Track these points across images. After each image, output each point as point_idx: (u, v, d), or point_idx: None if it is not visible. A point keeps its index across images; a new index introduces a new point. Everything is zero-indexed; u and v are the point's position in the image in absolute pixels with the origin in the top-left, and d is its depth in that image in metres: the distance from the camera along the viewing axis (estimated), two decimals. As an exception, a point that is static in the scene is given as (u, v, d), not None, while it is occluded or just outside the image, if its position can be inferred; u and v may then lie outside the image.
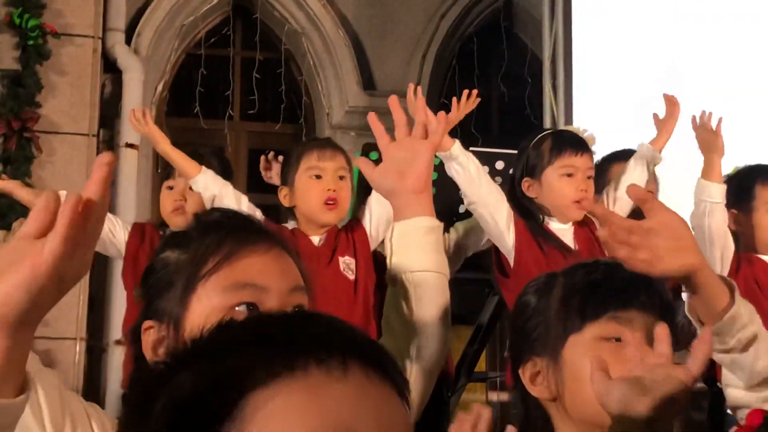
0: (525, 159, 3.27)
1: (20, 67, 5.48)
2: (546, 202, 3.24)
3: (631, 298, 1.58)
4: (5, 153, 5.42)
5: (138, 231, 3.54)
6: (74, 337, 5.35)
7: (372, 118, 1.73)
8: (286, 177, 3.29)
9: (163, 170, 3.60)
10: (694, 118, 3.46)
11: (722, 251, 3.32)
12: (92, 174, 1.02)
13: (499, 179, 3.92)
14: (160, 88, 6.42)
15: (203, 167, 3.35)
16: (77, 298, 5.42)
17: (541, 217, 3.25)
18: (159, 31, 6.33)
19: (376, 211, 3.26)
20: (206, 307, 1.39)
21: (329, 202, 3.20)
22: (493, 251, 3.30)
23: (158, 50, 6.38)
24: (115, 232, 3.53)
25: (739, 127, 5.34)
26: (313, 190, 3.21)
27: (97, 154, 5.72)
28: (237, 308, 1.38)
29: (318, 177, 3.21)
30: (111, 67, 6.04)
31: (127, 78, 6.02)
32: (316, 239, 3.26)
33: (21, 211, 5.34)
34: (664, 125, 3.52)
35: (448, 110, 6.72)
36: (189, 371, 0.80)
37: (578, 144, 3.24)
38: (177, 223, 3.48)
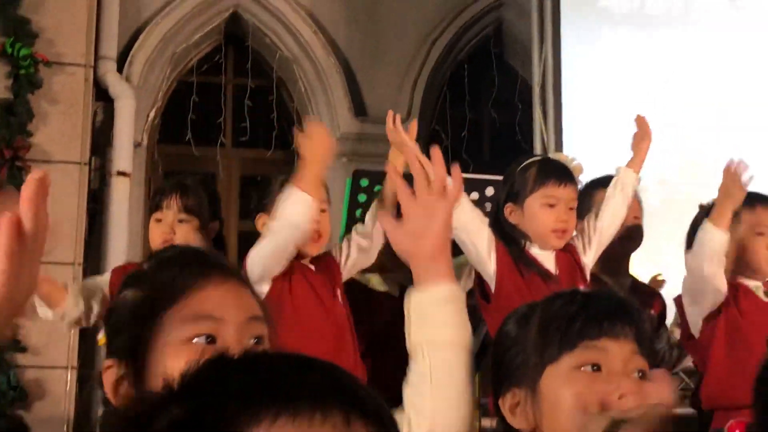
0: (510, 184, 3.28)
1: (12, 96, 5.48)
2: (526, 229, 3.23)
3: (608, 327, 1.57)
4: (-3, 182, 5.42)
5: (119, 274, 3.49)
6: (65, 365, 5.34)
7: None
8: (266, 205, 3.26)
9: (151, 200, 3.57)
10: (728, 164, 3.43)
11: (714, 297, 3.31)
12: (22, 192, 1.03)
13: (489, 205, 3.93)
14: (152, 115, 6.43)
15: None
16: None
17: (522, 242, 3.25)
18: (151, 59, 6.35)
19: (356, 259, 3.29)
20: (164, 340, 1.40)
21: (313, 235, 3.18)
22: (476, 277, 3.30)
23: (150, 78, 6.39)
24: (92, 305, 3.48)
25: (729, 152, 5.38)
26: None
27: (89, 182, 5.73)
28: (195, 341, 1.39)
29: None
30: (103, 95, 6.06)
31: (119, 106, 6.03)
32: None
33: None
34: (639, 146, 3.54)
35: (439, 137, 6.76)
36: (183, 409, 0.80)
37: (563, 174, 3.24)
38: None
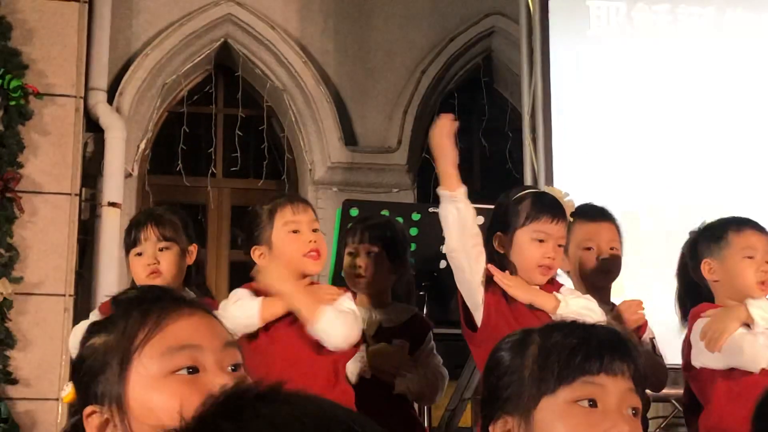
0: (501, 213, 3.24)
1: (2, 128, 5.49)
2: (513, 260, 3.19)
3: (607, 364, 1.57)
4: (-13, 213, 5.42)
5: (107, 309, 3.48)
6: (56, 398, 5.31)
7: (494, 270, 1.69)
8: (259, 236, 3.23)
9: (126, 238, 3.55)
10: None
11: None
12: None
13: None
14: (142, 146, 6.43)
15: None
16: (59, 358, 5.39)
17: (509, 273, 3.23)
18: (141, 89, 6.36)
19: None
20: (145, 377, 1.41)
21: (312, 253, 3.18)
22: (461, 305, 3.28)
23: (140, 109, 6.41)
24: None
25: (719, 179, 5.41)
26: (294, 244, 3.18)
27: (80, 213, 5.73)
28: (177, 373, 1.40)
29: (295, 231, 3.18)
30: (93, 126, 6.07)
31: (109, 137, 6.04)
32: None
33: (3, 271, 5.33)
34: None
35: (429, 166, 6.78)
36: None
37: (557, 211, 3.20)
38: None
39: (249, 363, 1.49)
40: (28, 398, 5.33)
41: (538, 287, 3.18)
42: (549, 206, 3.21)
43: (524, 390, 1.59)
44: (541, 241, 3.15)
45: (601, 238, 3.62)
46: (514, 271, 3.20)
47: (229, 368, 1.43)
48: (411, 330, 3.70)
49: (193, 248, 3.53)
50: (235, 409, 0.82)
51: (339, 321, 3.08)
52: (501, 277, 3.14)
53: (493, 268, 3.14)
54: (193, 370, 1.40)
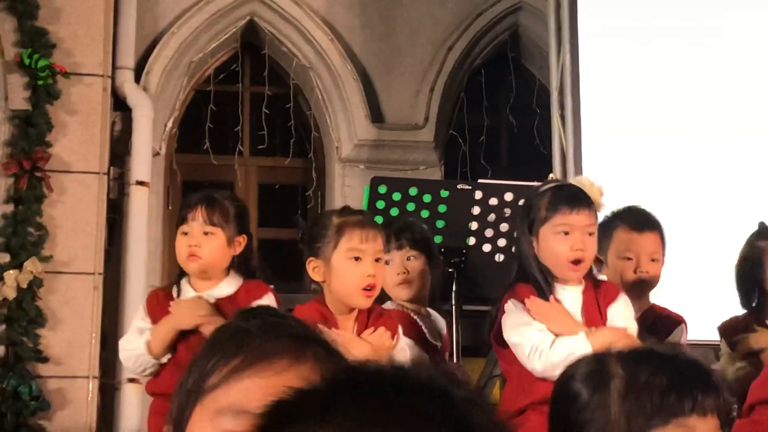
0: (525, 214, 3.13)
1: (30, 107, 5.51)
2: (544, 260, 3.08)
3: (698, 404, 1.55)
4: (16, 193, 5.45)
5: (152, 302, 3.49)
6: (87, 375, 5.35)
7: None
8: (319, 250, 3.11)
9: (176, 213, 3.56)
10: None
11: None
12: None
13: (508, 210, 3.91)
14: (169, 124, 6.44)
15: None
16: (89, 336, 5.43)
17: (549, 282, 3.08)
18: (168, 68, 6.37)
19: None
20: (198, 426, 1.28)
21: (368, 288, 3.06)
22: (488, 319, 3.15)
23: (167, 87, 6.41)
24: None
25: (749, 155, 5.36)
26: (353, 273, 3.06)
27: (108, 191, 5.75)
28: None
29: (357, 259, 3.06)
30: (121, 105, 6.08)
31: (136, 115, 6.05)
32: (348, 323, 3.13)
33: (32, 250, 5.37)
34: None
35: (456, 143, 6.76)
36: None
37: (575, 199, 3.07)
38: (192, 269, 3.43)
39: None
40: (58, 376, 5.37)
41: (572, 319, 3.03)
42: (567, 197, 3.09)
43: (614, 425, 1.56)
44: (566, 234, 3.04)
45: (642, 250, 3.53)
46: (546, 271, 3.10)
47: None
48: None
49: (242, 239, 3.49)
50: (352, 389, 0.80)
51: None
52: (538, 313, 3.02)
53: (533, 304, 3.02)
54: None
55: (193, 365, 1.33)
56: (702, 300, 3.68)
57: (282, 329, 1.32)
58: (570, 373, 1.67)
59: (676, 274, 4.20)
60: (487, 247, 4.01)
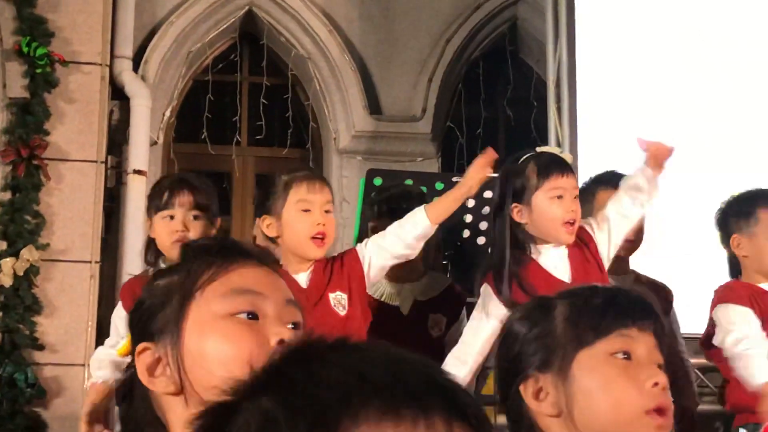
0: (510, 185, 3.17)
1: (29, 95, 5.52)
2: (537, 227, 3.14)
3: (638, 318, 1.66)
4: (14, 180, 5.46)
5: (128, 294, 3.43)
6: (83, 363, 5.37)
7: None
8: (272, 206, 3.19)
9: (156, 199, 3.42)
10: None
11: None
12: None
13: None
14: (167, 114, 6.46)
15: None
16: (85, 324, 5.44)
17: (528, 249, 3.16)
18: (166, 57, 6.38)
19: (375, 261, 3.23)
20: (205, 315, 1.38)
21: (318, 237, 3.12)
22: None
23: (166, 77, 6.42)
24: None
25: (745, 145, 5.37)
26: (302, 223, 3.14)
27: (105, 180, 5.76)
28: (237, 316, 1.37)
29: (306, 210, 3.13)
30: (119, 94, 6.09)
31: (134, 105, 6.06)
32: (302, 277, 3.17)
33: (29, 238, 5.38)
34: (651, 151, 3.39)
35: (454, 135, 6.76)
36: (274, 401, 0.78)
37: (562, 165, 3.17)
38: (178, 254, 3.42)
39: None
40: (54, 363, 5.39)
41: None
42: (554, 162, 3.17)
43: (558, 347, 1.65)
44: (559, 197, 3.12)
45: None
46: (534, 240, 3.17)
47: (289, 325, 1.40)
48: (446, 303, 3.67)
49: (217, 221, 3.51)
50: (305, 358, 0.82)
51: None
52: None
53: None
54: (253, 316, 1.38)
55: (156, 285, 1.46)
56: (699, 294, 3.69)
57: (237, 244, 1.51)
58: (516, 311, 1.79)
59: (672, 267, 4.23)
60: (481, 240, 4.03)
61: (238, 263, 1.43)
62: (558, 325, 1.67)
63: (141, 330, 1.43)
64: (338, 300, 3.15)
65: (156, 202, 3.44)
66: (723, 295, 3.37)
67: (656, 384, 1.61)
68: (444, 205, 3.21)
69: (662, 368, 1.65)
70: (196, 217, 3.40)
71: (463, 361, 3.10)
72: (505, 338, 1.75)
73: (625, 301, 1.68)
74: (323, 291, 3.15)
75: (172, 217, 3.39)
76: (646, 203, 3.26)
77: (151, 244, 3.48)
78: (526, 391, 1.66)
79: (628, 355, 1.63)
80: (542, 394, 1.64)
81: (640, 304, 1.70)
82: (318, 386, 0.78)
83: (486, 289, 3.15)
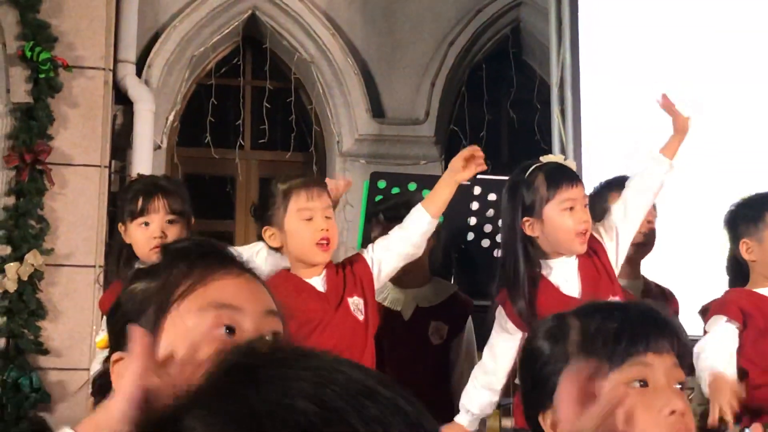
0: (519, 199, 3.15)
1: (32, 100, 5.52)
2: (549, 239, 3.12)
3: (652, 342, 1.60)
4: (18, 185, 5.46)
5: (108, 300, 3.39)
6: (87, 367, 5.36)
7: None
8: (272, 217, 3.18)
9: (128, 205, 3.39)
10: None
11: None
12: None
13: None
14: (171, 118, 6.46)
15: None
16: (89, 328, 5.44)
17: (539, 265, 3.14)
18: (169, 62, 6.38)
19: (384, 264, 3.22)
20: (181, 329, 1.36)
21: (322, 242, 3.13)
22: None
23: (169, 81, 6.42)
24: None
25: (747, 148, 5.36)
26: (306, 232, 3.13)
27: (109, 185, 5.76)
28: (216, 331, 1.35)
29: (309, 219, 3.13)
30: (122, 99, 6.09)
31: (138, 109, 6.06)
32: (317, 281, 3.17)
33: (33, 243, 5.38)
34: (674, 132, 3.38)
35: (457, 138, 6.76)
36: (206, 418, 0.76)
37: (571, 175, 3.16)
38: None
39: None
40: (59, 368, 5.39)
41: None
42: (562, 173, 3.16)
43: (572, 378, 1.60)
44: (571, 209, 3.10)
45: None
46: (544, 256, 3.15)
47: (268, 337, 1.37)
48: (450, 311, 3.66)
49: (192, 220, 3.47)
50: (250, 373, 0.79)
51: None
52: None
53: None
54: (231, 330, 1.35)
55: (133, 289, 1.43)
56: (699, 293, 3.69)
57: (216, 248, 1.47)
58: (534, 332, 1.73)
59: (676, 266, 4.22)
60: (485, 243, 4.03)
61: (218, 272, 1.40)
62: (571, 352, 1.62)
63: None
64: (356, 305, 3.15)
65: (130, 207, 3.40)
66: (715, 307, 3.38)
67: (673, 412, 1.56)
68: (438, 196, 3.22)
69: (685, 385, 1.61)
70: (171, 221, 3.37)
71: (494, 392, 3.19)
72: (527, 353, 1.72)
73: (639, 325, 1.61)
74: (342, 295, 3.16)
75: (147, 224, 3.36)
76: (667, 170, 3.26)
77: (124, 250, 3.44)
78: (545, 421, 1.63)
79: (644, 383, 1.58)
80: (560, 427, 1.61)
81: (653, 325, 1.62)
82: (251, 408, 0.75)
83: (501, 310, 3.15)
